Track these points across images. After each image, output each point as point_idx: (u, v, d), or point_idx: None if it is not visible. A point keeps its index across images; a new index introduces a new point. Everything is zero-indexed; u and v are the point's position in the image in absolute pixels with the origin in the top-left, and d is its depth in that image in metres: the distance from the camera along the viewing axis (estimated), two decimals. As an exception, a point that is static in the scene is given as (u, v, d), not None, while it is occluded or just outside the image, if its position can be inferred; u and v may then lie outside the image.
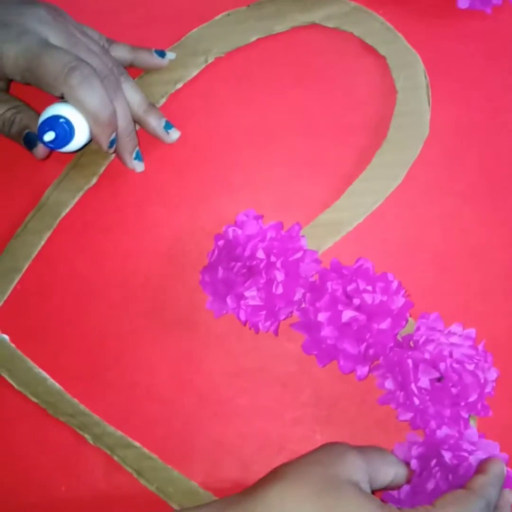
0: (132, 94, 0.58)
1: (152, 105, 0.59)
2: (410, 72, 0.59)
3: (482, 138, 0.59)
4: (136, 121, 0.59)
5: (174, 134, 0.60)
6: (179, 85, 0.61)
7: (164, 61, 0.61)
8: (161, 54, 0.61)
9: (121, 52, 0.60)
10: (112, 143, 0.56)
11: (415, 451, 0.52)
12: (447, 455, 0.51)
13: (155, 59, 0.61)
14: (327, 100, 0.60)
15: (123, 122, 0.57)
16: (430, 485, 0.51)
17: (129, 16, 0.63)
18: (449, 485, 0.50)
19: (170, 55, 0.61)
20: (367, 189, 0.58)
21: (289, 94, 0.60)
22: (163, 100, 0.61)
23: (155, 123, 0.59)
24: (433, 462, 0.51)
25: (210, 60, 0.61)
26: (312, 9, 0.60)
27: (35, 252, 0.60)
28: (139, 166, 0.60)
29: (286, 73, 0.61)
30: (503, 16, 0.60)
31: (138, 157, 0.59)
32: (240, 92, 0.61)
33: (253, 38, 0.61)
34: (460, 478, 0.50)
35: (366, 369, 0.53)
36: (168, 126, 0.59)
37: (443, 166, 0.59)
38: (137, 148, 0.59)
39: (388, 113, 0.59)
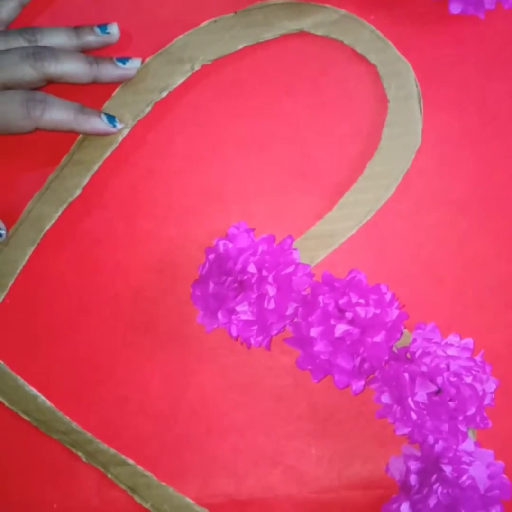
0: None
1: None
2: (401, 81, 0.58)
3: (476, 147, 0.58)
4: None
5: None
6: (165, 94, 0.60)
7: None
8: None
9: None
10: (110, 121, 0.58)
11: (413, 466, 0.52)
12: (447, 469, 0.50)
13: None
14: (318, 109, 0.59)
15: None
16: (432, 501, 0.50)
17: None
18: (451, 499, 0.50)
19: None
20: (360, 200, 0.57)
21: (279, 103, 0.59)
22: (148, 109, 0.59)
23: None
24: (434, 477, 0.50)
25: (197, 68, 0.60)
26: (301, 16, 0.59)
27: (20, 268, 0.58)
28: (133, 64, 0.59)
29: (275, 81, 0.60)
30: (496, 21, 0.59)
31: (123, 62, 0.59)
32: (229, 101, 0.60)
33: (241, 46, 0.60)
34: (462, 491, 0.50)
35: (361, 383, 0.52)
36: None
37: (437, 176, 0.58)
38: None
39: (380, 122, 0.58)
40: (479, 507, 0.50)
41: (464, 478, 0.50)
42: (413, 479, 0.51)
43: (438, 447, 0.51)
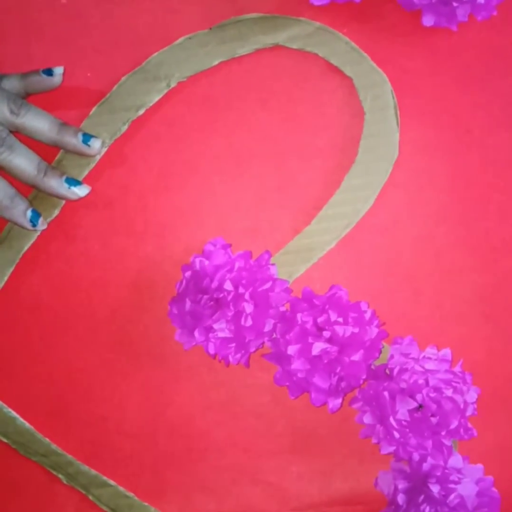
0: (39, 121, 0.56)
1: (63, 124, 0.57)
2: (377, 93, 0.58)
3: (453, 158, 0.58)
4: (53, 145, 0.57)
5: (95, 143, 0.57)
6: (141, 111, 0.59)
7: (54, 79, 0.58)
8: (49, 72, 0.58)
9: (11, 84, 0.58)
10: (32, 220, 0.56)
11: (401, 485, 0.51)
12: (435, 489, 0.50)
13: (44, 80, 0.58)
14: (294, 123, 0.58)
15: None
16: None
17: (88, 41, 0.61)
18: None
19: (58, 70, 0.58)
20: (338, 213, 0.56)
21: (255, 118, 0.59)
22: (125, 127, 0.59)
23: (73, 141, 0.57)
24: (421, 497, 0.50)
25: (173, 85, 0.59)
26: (275, 30, 0.59)
27: (-1, 288, 0.58)
28: (81, 191, 0.57)
29: (251, 96, 0.59)
30: (469, 32, 0.59)
31: (72, 183, 0.57)
32: (205, 117, 0.59)
33: (216, 62, 0.59)
34: (450, 510, 0.49)
35: (338, 401, 0.51)
36: (86, 138, 0.57)
37: (414, 188, 0.57)
38: (65, 176, 0.57)
39: (357, 134, 0.57)
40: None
41: (452, 497, 0.49)
42: (400, 498, 0.50)
43: (426, 465, 0.50)
